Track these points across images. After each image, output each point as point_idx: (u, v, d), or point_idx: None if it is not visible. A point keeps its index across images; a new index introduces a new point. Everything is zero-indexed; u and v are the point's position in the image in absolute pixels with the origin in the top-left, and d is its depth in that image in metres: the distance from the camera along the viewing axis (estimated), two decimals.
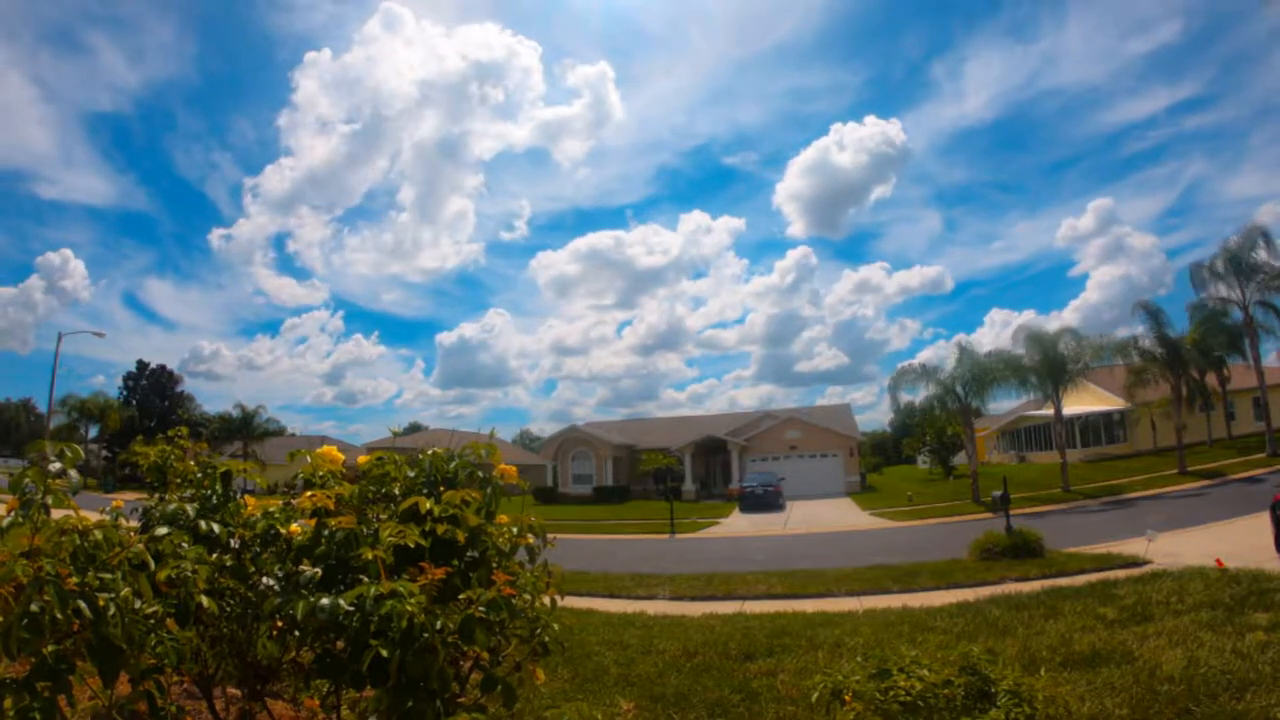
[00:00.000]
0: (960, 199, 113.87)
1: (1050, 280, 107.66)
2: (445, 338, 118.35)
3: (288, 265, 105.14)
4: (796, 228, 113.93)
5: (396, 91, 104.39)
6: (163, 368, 60.29)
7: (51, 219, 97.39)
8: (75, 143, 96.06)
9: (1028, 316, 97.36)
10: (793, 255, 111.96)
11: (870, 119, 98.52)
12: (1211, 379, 33.47)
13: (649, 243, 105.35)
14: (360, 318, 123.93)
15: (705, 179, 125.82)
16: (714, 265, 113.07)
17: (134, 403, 56.42)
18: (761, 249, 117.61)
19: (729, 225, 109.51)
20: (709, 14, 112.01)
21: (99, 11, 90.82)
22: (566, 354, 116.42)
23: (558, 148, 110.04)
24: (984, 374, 28.16)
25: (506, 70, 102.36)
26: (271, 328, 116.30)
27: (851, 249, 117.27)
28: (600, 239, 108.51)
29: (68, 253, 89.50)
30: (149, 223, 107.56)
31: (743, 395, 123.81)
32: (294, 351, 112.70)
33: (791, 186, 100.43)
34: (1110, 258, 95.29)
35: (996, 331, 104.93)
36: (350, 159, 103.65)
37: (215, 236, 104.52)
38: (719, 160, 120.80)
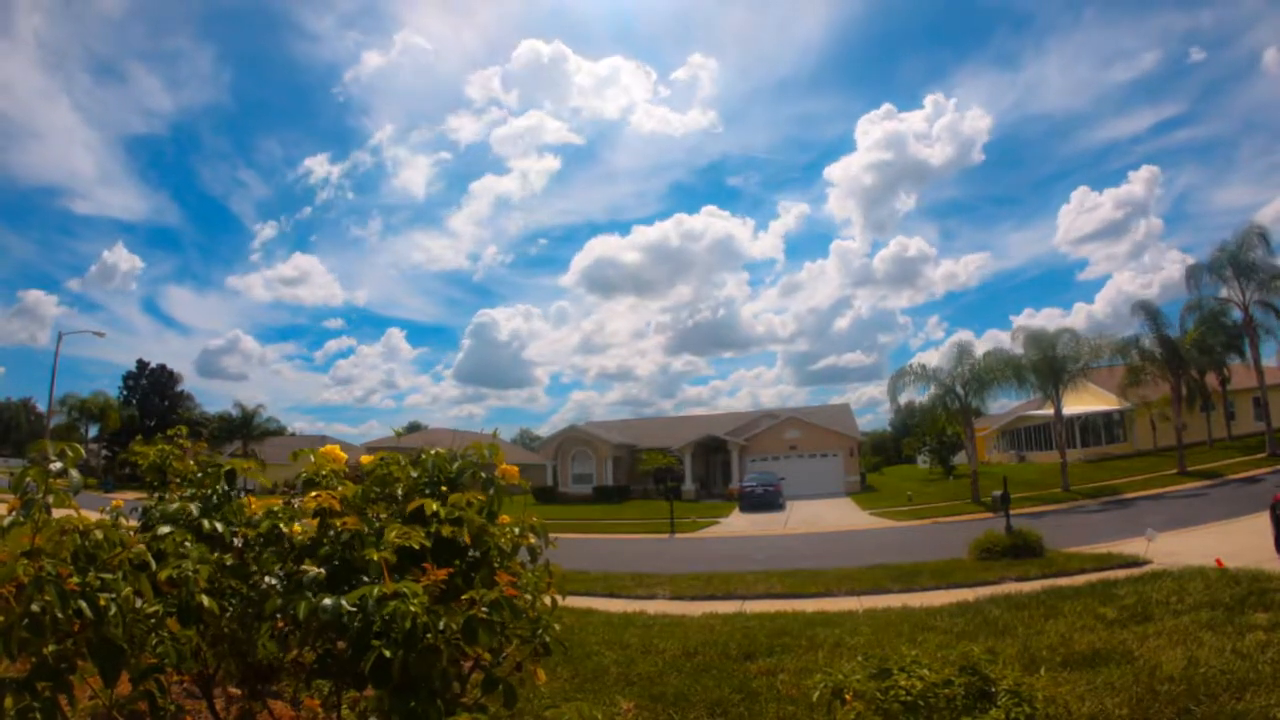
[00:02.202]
0: (955, 210, 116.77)
1: (1071, 279, 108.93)
2: (460, 339, 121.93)
3: (303, 267, 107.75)
4: (804, 230, 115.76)
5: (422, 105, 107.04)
6: (162, 367, 60.34)
7: (84, 233, 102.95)
8: (111, 163, 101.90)
9: (1051, 314, 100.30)
10: (806, 257, 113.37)
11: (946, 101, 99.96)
12: (1211, 379, 33.48)
13: (667, 242, 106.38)
14: (374, 322, 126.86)
15: (714, 195, 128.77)
16: (736, 267, 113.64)
17: (134, 402, 56.42)
18: (784, 250, 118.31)
19: (749, 227, 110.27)
20: (716, 49, 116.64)
21: (145, 45, 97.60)
22: (587, 353, 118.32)
23: (570, 165, 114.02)
24: (984, 374, 28.18)
25: (535, 83, 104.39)
26: (287, 331, 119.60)
27: (869, 250, 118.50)
28: (619, 241, 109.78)
29: (98, 261, 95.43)
30: (174, 234, 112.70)
31: (765, 394, 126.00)
32: (307, 354, 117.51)
33: (837, 182, 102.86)
34: (1137, 255, 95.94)
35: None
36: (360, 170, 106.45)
37: (236, 244, 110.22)
38: (728, 179, 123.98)
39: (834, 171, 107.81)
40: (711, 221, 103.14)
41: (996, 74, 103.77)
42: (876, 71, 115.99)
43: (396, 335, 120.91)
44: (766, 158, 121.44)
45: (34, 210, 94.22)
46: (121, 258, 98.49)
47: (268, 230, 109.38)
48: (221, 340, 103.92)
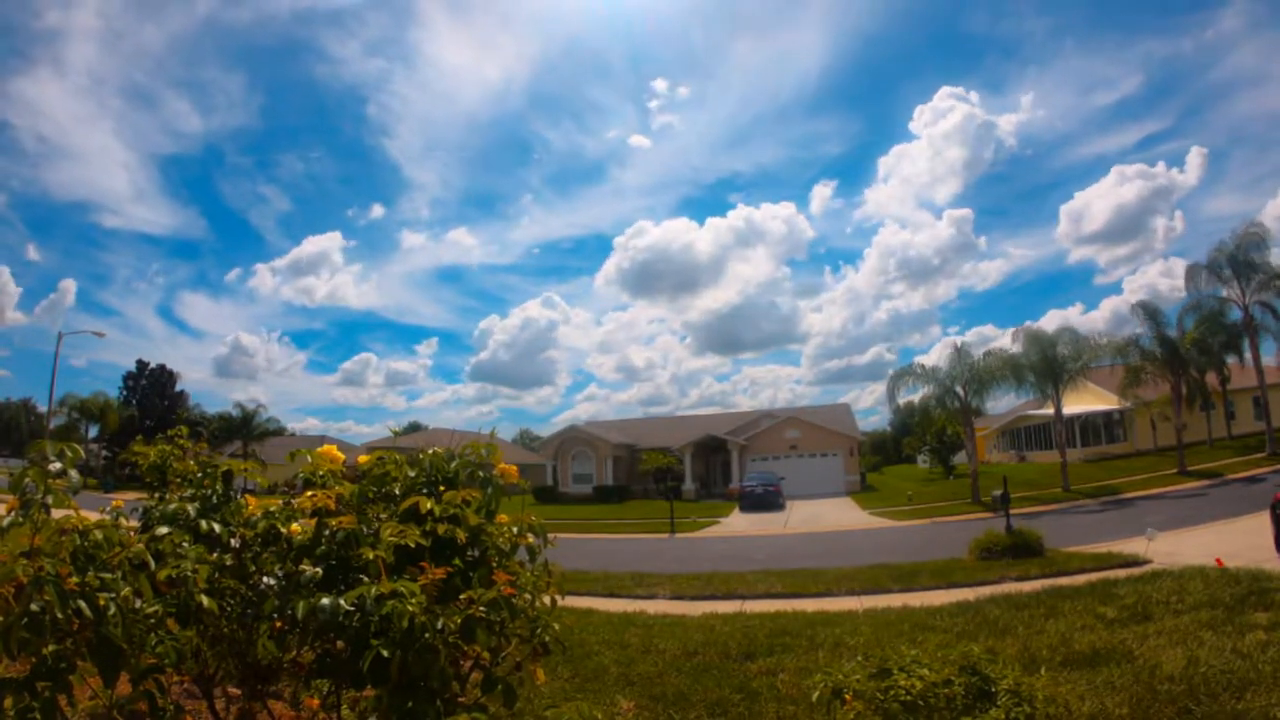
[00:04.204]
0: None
1: (1089, 278, 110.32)
2: (473, 340, 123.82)
3: (315, 270, 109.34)
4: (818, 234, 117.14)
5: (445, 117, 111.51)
6: (162, 367, 60.30)
7: (111, 244, 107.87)
8: (143, 180, 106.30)
9: (1074, 310, 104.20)
10: (817, 262, 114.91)
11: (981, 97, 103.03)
12: (1211, 378, 33.44)
13: (681, 243, 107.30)
14: (387, 325, 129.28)
15: (721, 209, 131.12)
16: (754, 268, 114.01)
17: (134, 402, 56.40)
18: (799, 253, 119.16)
19: (764, 230, 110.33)
20: (721, 80, 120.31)
21: (181, 74, 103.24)
22: (602, 353, 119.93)
23: (577, 177, 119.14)
24: (984, 374, 28.18)
25: (545, 102, 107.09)
26: (299, 334, 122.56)
27: (889, 251, 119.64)
28: (628, 243, 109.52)
29: (121, 270, 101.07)
30: (194, 245, 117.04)
31: (783, 393, 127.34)
32: (318, 356, 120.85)
33: (850, 188, 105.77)
34: (1155, 255, 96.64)
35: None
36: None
37: (253, 252, 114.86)
38: (737, 195, 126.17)
39: (841, 179, 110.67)
40: (722, 225, 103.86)
41: (987, 95, 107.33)
42: (880, 89, 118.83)
43: (409, 337, 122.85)
44: (773, 174, 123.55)
45: (62, 224, 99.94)
46: (143, 267, 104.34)
47: (283, 238, 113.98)
48: (235, 343, 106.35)
